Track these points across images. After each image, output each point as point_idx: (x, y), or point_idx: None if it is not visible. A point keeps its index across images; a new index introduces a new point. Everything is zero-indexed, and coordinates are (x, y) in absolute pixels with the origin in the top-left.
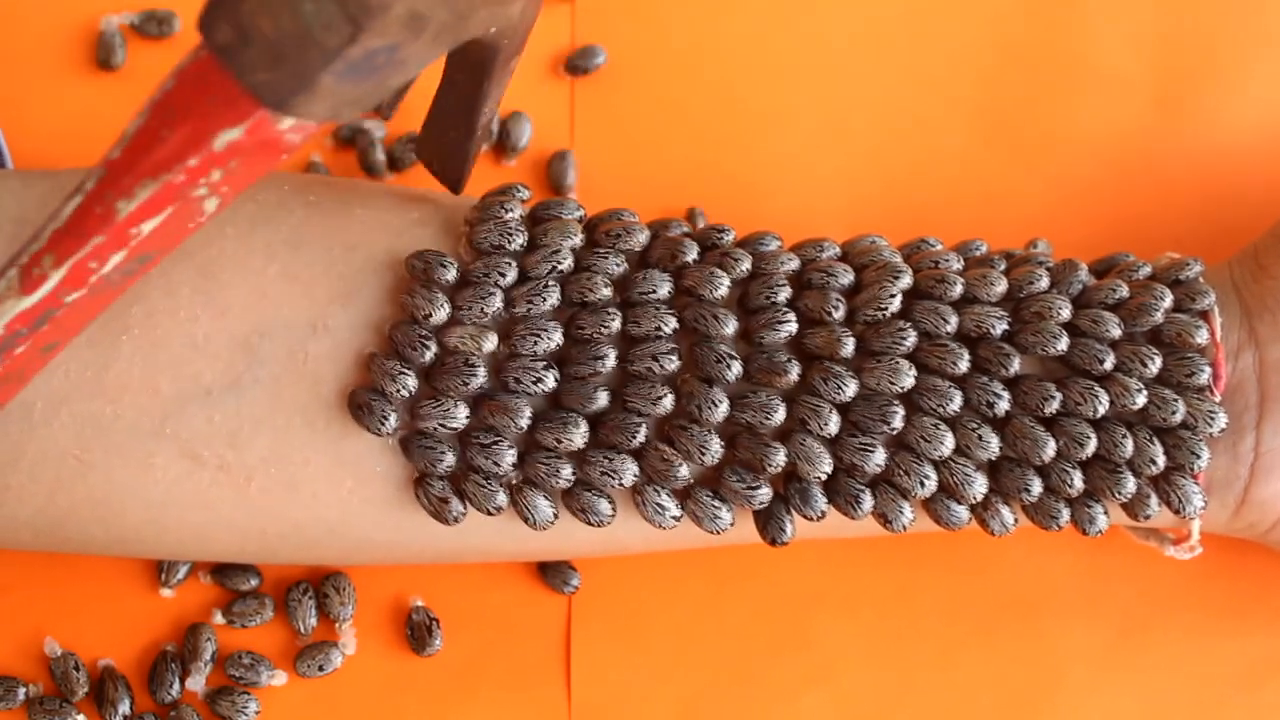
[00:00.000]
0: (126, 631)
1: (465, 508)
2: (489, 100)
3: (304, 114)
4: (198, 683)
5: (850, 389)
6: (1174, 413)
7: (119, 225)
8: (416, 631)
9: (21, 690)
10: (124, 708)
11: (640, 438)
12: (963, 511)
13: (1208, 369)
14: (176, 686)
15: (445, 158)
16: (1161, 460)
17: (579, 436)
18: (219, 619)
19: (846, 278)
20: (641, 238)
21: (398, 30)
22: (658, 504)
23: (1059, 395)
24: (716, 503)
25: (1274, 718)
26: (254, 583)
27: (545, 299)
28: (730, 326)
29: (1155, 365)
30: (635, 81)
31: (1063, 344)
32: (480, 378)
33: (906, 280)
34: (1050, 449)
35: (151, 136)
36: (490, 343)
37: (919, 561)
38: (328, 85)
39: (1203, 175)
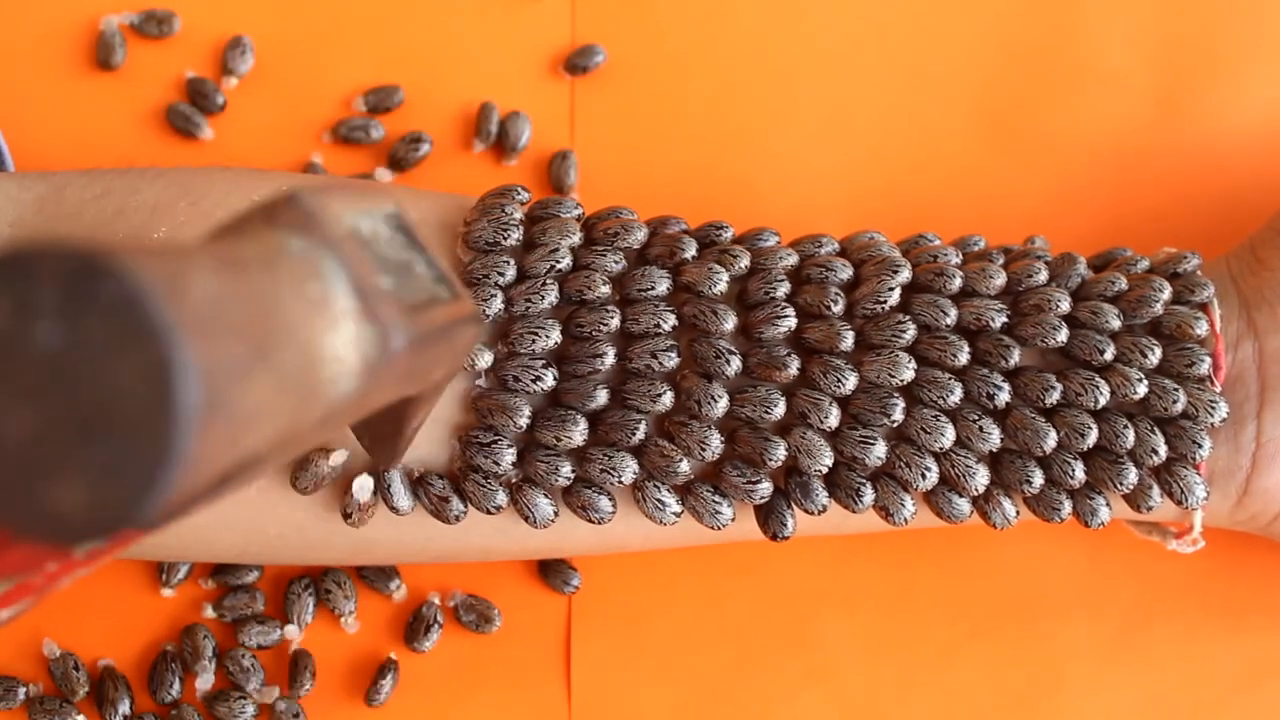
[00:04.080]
0: (126, 631)
1: (465, 506)
2: (419, 417)
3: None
4: (205, 683)
5: (850, 382)
6: (1175, 402)
7: None
8: (417, 624)
9: (21, 690)
10: (124, 708)
11: (640, 434)
12: (964, 504)
13: (1207, 359)
14: (176, 686)
15: (376, 444)
16: (1163, 450)
17: (578, 434)
18: (209, 613)
19: (845, 272)
20: (640, 235)
21: (279, 460)
22: (658, 500)
23: (1059, 386)
24: (717, 498)
25: (1274, 717)
26: (252, 578)
27: (544, 297)
28: (729, 322)
29: (1155, 356)
30: (635, 81)
31: (1062, 335)
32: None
33: (905, 274)
34: (1051, 440)
35: (4, 539)
36: (485, 360)
37: (919, 560)
38: (202, 503)
39: (1201, 175)
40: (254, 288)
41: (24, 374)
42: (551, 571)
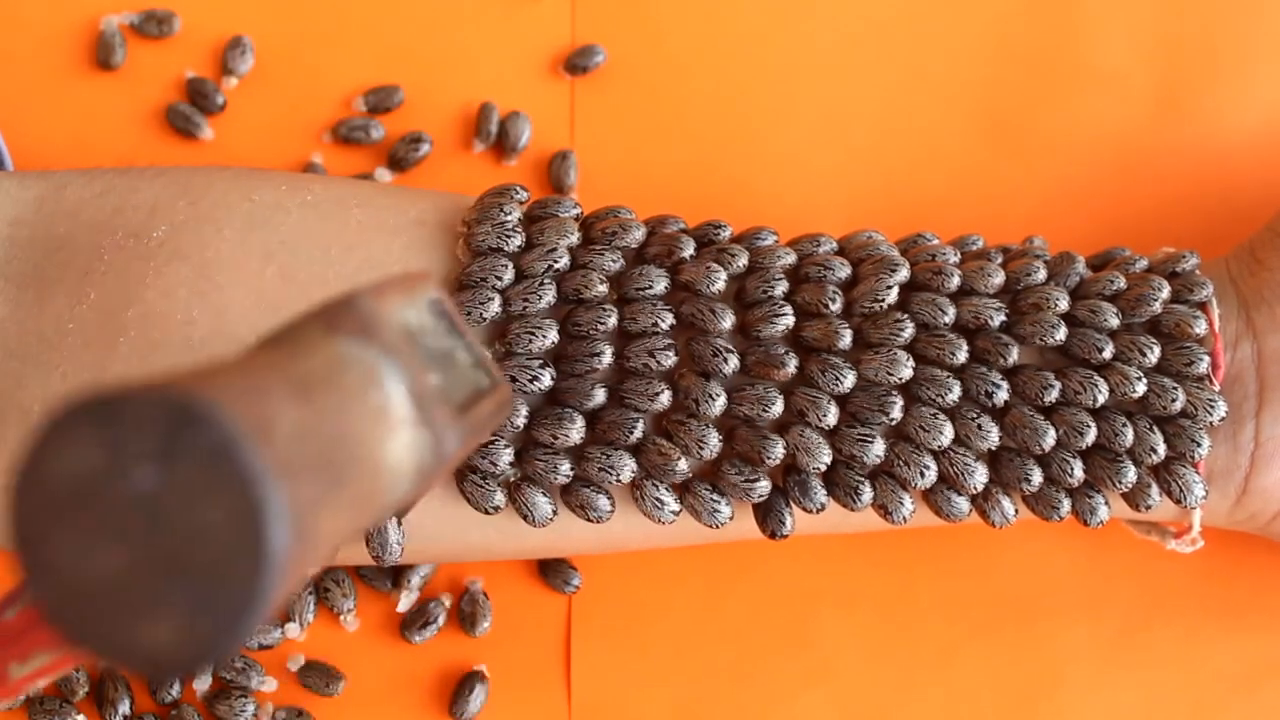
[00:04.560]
0: None
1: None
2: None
3: None
4: (204, 683)
5: (848, 380)
6: (1174, 401)
7: (13, 684)
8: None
9: None
10: (124, 708)
11: (638, 433)
12: (963, 502)
13: (1206, 358)
14: (176, 686)
15: None
16: (1162, 449)
17: (576, 433)
18: None
19: (843, 271)
20: (638, 234)
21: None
22: (656, 498)
23: (1058, 384)
24: (715, 496)
25: (1274, 718)
26: None
27: (541, 297)
28: (727, 321)
29: (1154, 354)
30: (635, 81)
31: (1061, 334)
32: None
33: (903, 273)
34: (1050, 438)
35: None
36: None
37: (919, 560)
38: None
39: (1201, 175)
40: (325, 412)
41: (117, 514)
42: (551, 571)
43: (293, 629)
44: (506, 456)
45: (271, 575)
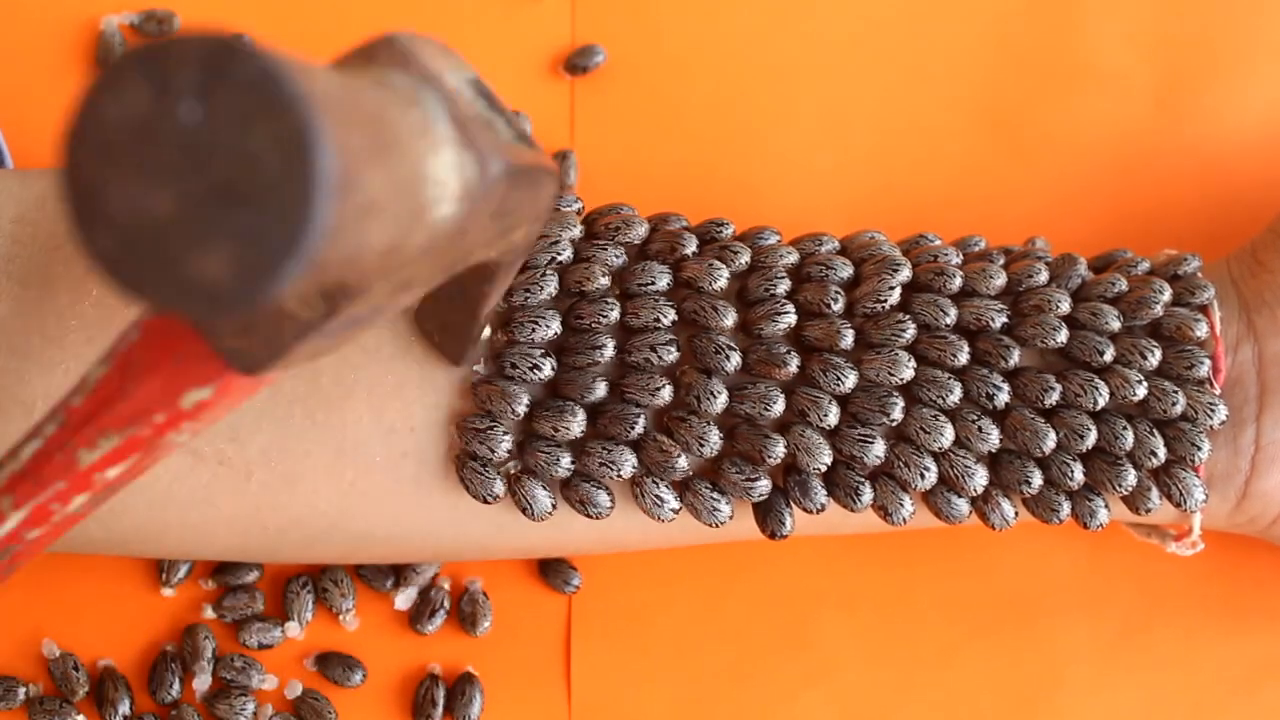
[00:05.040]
0: (126, 631)
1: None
2: (494, 297)
3: (278, 370)
4: (204, 683)
5: (849, 380)
6: (1174, 404)
7: (81, 473)
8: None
9: (21, 690)
10: (124, 708)
11: (639, 429)
12: (963, 504)
13: (1207, 362)
14: (176, 686)
15: (445, 334)
16: (1162, 452)
17: (576, 425)
18: (209, 613)
19: (845, 271)
20: (640, 230)
21: (383, 299)
22: (656, 496)
23: (1059, 387)
24: (715, 495)
25: (1274, 718)
26: (252, 578)
27: (543, 288)
28: (729, 318)
29: (1155, 358)
30: (635, 81)
31: (1062, 336)
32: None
33: (905, 273)
34: (1050, 441)
35: (114, 389)
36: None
37: (919, 561)
38: (303, 351)
39: (1201, 175)
40: (366, 101)
41: (165, 154)
42: (551, 571)
43: (292, 628)
44: (505, 443)
45: (322, 199)
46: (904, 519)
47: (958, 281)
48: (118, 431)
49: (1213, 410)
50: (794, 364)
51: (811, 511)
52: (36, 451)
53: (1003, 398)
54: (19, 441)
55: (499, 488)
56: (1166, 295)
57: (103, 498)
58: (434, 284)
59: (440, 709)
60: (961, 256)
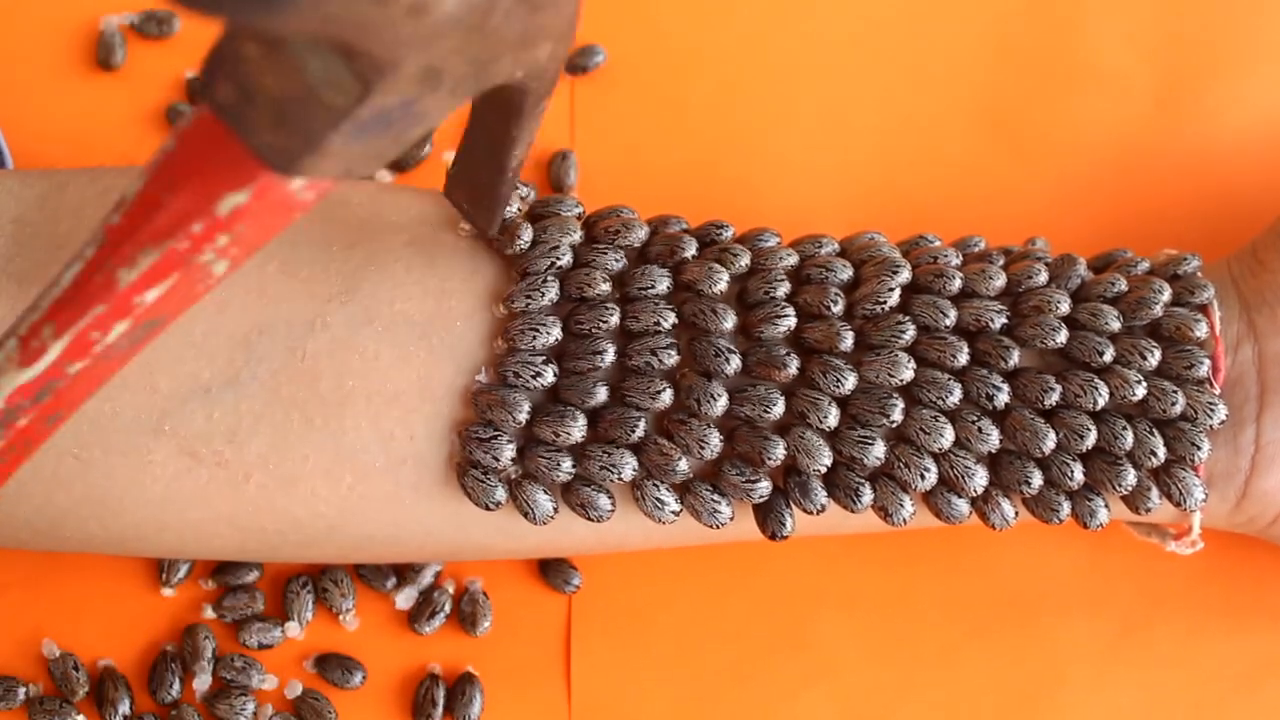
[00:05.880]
0: (126, 631)
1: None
2: (520, 144)
3: (314, 173)
4: (204, 683)
5: (849, 382)
6: (1174, 404)
7: (121, 294)
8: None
9: (21, 690)
10: (124, 708)
11: (639, 432)
12: (963, 505)
13: (1207, 362)
14: (176, 686)
15: (475, 200)
16: (1162, 452)
17: (577, 430)
18: (209, 613)
19: (845, 273)
20: (640, 234)
21: (412, 86)
22: (657, 498)
23: (1058, 387)
24: (716, 497)
25: (1274, 717)
26: (252, 578)
27: (544, 294)
28: (729, 321)
29: (1154, 358)
30: (635, 81)
31: (1062, 336)
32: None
33: (905, 275)
34: (1050, 441)
35: (152, 202)
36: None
37: (919, 560)
38: (337, 145)
39: (1202, 175)
40: None
41: None
42: (552, 571)
43: (292, 628)
44: (509, 452)
45: None
46: (904, 519)
47: (957, 283)
48: (156, 246)
49: (1212, 410)
50: (794, 366)
51: (812, 512)
52: (76, 274)
53: (1002, 398)
54: (59, 269)
55: (501, 495)
56: (1166, 295)
57: (141, 333)
58: (463, 91)
59: (440, 709)
60: (961, 257)
